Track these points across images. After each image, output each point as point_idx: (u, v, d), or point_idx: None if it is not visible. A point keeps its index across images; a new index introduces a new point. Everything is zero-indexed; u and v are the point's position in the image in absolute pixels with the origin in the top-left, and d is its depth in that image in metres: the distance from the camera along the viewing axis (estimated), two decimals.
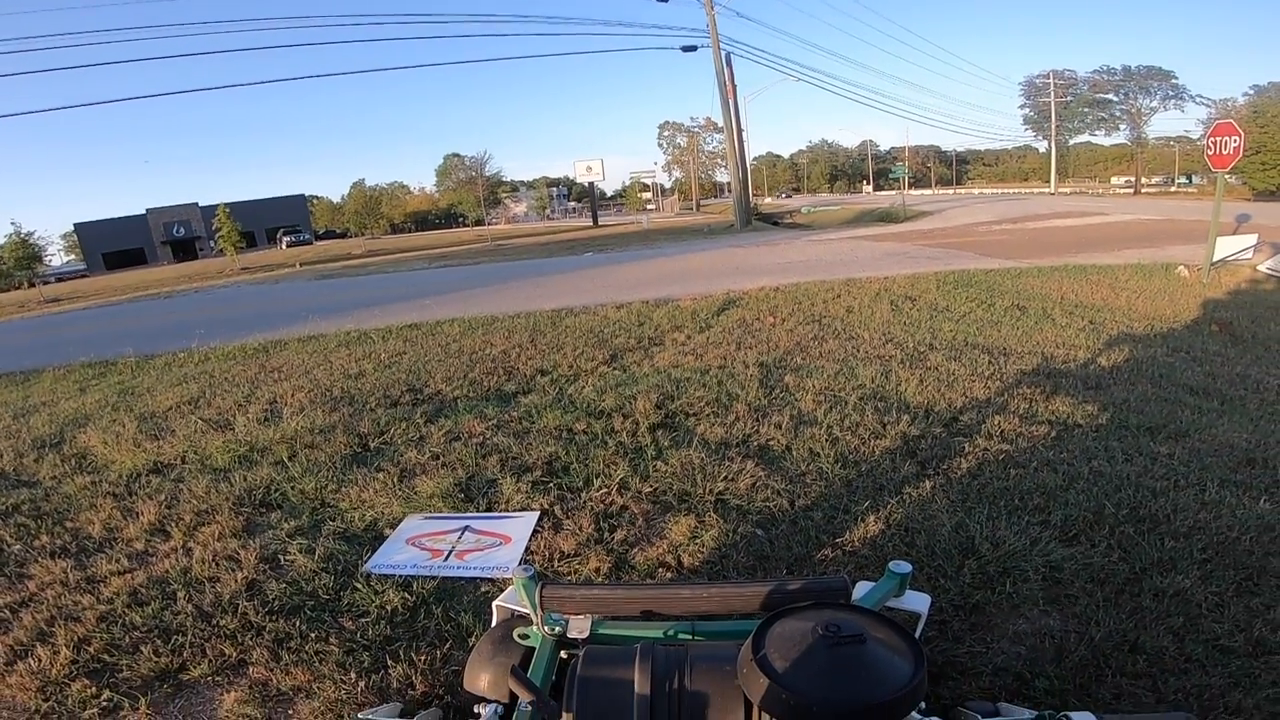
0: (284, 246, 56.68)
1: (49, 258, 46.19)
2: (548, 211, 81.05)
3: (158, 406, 5.94)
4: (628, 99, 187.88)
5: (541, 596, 1.59)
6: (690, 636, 1.59)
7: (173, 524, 3.49)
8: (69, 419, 5.83)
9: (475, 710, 1.48)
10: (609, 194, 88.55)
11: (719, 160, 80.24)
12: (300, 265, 32.28)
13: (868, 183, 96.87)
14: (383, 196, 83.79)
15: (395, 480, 3.82)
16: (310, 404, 5.42)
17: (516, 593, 1.72)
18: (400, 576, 2.87)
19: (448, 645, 2.41)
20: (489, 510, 3.47)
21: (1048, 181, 67.86)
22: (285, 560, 3.07)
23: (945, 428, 4.14)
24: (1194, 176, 58.49)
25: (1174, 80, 62.58)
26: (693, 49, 32.44)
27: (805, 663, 1.09)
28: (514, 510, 3.44)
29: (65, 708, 2.25)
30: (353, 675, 2.27)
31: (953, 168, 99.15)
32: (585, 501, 3.43)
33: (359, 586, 2.80)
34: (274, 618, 2.63)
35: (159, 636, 2.55)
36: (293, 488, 3.82)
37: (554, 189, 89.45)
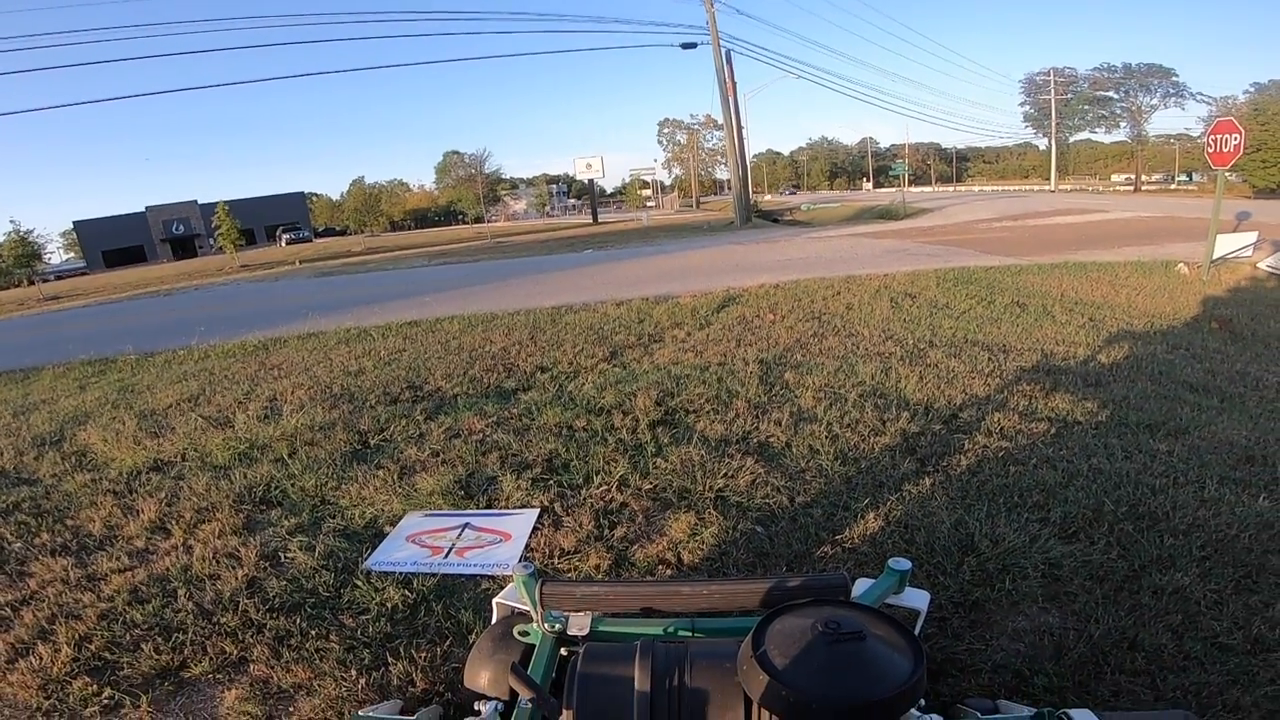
0: (283, 244, 56.56)
1: (48, 255, 46.19)
2: (547, 209, 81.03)
3: (158, 404, 5.94)
4: (628, 96, 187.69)
5: (541, 594, 1.59)
6: (690, 633, 1.59)
7: (173, 521, 3.50)
8: (69, 416, 5.83)
9: (476, 707, 1.48)
10: (609, 191, 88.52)
11: (719, 157, 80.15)
12: (300, 263, 32.26)
13: (868, 180, 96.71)
14: (382, 194, 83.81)
15: (395, 477, 3.82)
16: (310, 401, 5.42)
17: (516, 590, 1.72)
18: (400, 574, 2.88)
19: (448, 642, 2.41)
20: (489, 507, 3.47)
21: (1048, 179, 67.79)
22: (285, 558, 3.07)
23: (945, 425, 4.14)
24: (1194, 174, 58.46)
25: (1174, 78, 62.57)
26: (692, 46, 32.41)
27: (805, 660, 1.09)
28: (514, 507, 3.44)
29: (67, 705, 2.25)
30: (353, 673, 2.27)
31: (953, 165, 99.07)
32: (585, 498, 3.44)
33: (359, 584, 2.80)
34: (274, 615, 2.64)
35: (160, 634, 2.55)
36: (293, 485, 3.82)
37: (554, 186, 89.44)
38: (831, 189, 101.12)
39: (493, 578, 2.84)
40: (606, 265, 16.82)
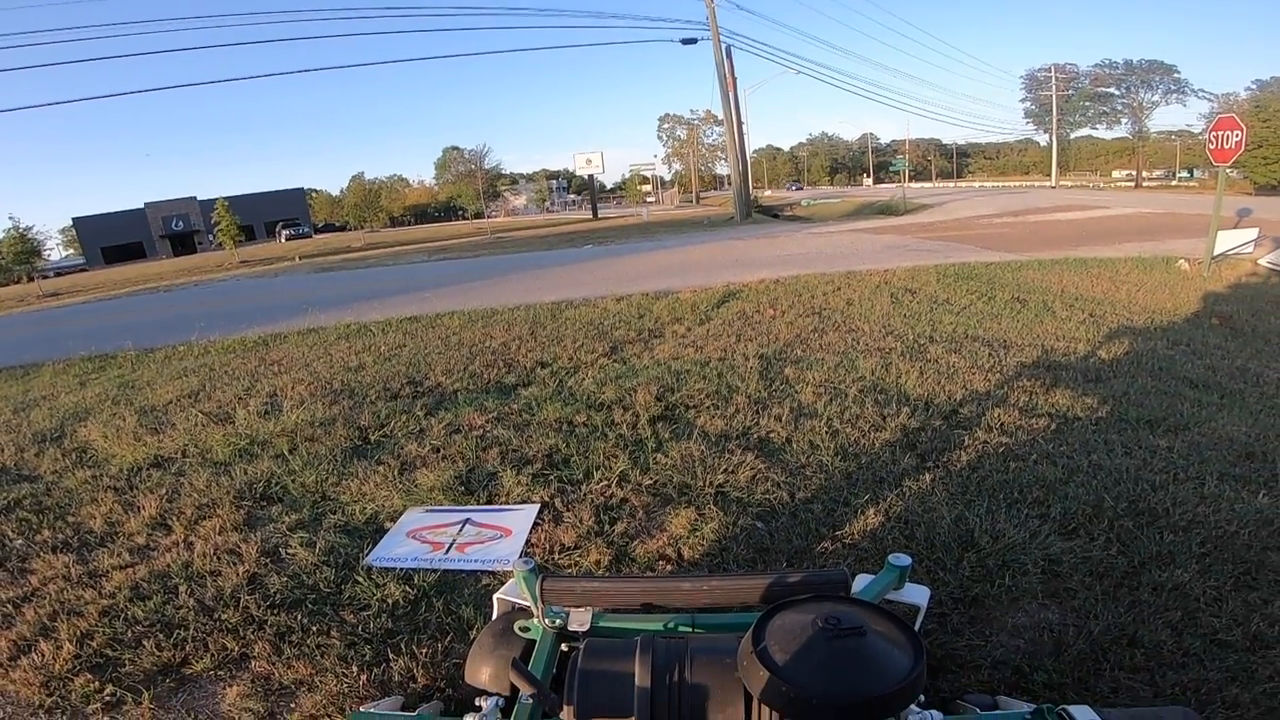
0: (283, 240, 56.48)
1: (48, 252, 46.27)
2: (547, 204, 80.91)
3: (158, 400, 5.94)
4: (627, 92, 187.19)
5: (542, 589, 1.59)
6: (690, 629, 1.59)
7: (174, 518, 3.50)
8: (69, 413, 5.83)
9: (476, 703, 1.48)
10: (609, 187, 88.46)
11: (719, 153, 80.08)
12: (299, 258, 32.23)
13: (868, 175, 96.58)
14: (382, 190, 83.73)
15: (396, 473, 3.83)
16: (310, 397, 5.42)
17: (517, 586, 1.73)
18: (401, 570, 2.88)
19: (449, 638, 2.42)
20: (489, 503, 3.48)
21: (1048, 175, 67.68)
22: (286, 554, 3.08)
23: (945, 420, 4.14)
24: (1195, 170, 58.32)
25: (1176, 74, 62.47)
26: (692, 42, 32.34)
27: (805, 655, 1.09)
28: (514, 503, 3.44)
29: (69, 702, 2.25)
30: (354, 669, 2.28)
31: (953, 161, 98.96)
32: (585, 494, 3.44)
33: (360, 580, 2.81)
34: (275, 611, 2.64)
35: (161, 631, 2.56)
36: (293, 481, 3.82)
37: (553, 182, 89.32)
38: (832, 185, 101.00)
39: (493, 573, 2.84)
40: (606, 260, 16.81)
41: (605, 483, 3.52)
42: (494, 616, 1.89)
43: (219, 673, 2.37)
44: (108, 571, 3.03)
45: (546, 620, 1.61)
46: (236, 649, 2.45)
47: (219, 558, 3.05)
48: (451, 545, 3.09)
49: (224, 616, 2.62)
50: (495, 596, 1.90)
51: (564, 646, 1.62)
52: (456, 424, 4.52)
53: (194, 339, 9.03)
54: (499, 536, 3.14)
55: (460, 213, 79.39)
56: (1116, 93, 66.57)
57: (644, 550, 2.93)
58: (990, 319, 6.88)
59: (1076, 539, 2.78)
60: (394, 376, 5.91)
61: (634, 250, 19.52)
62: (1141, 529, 2.80)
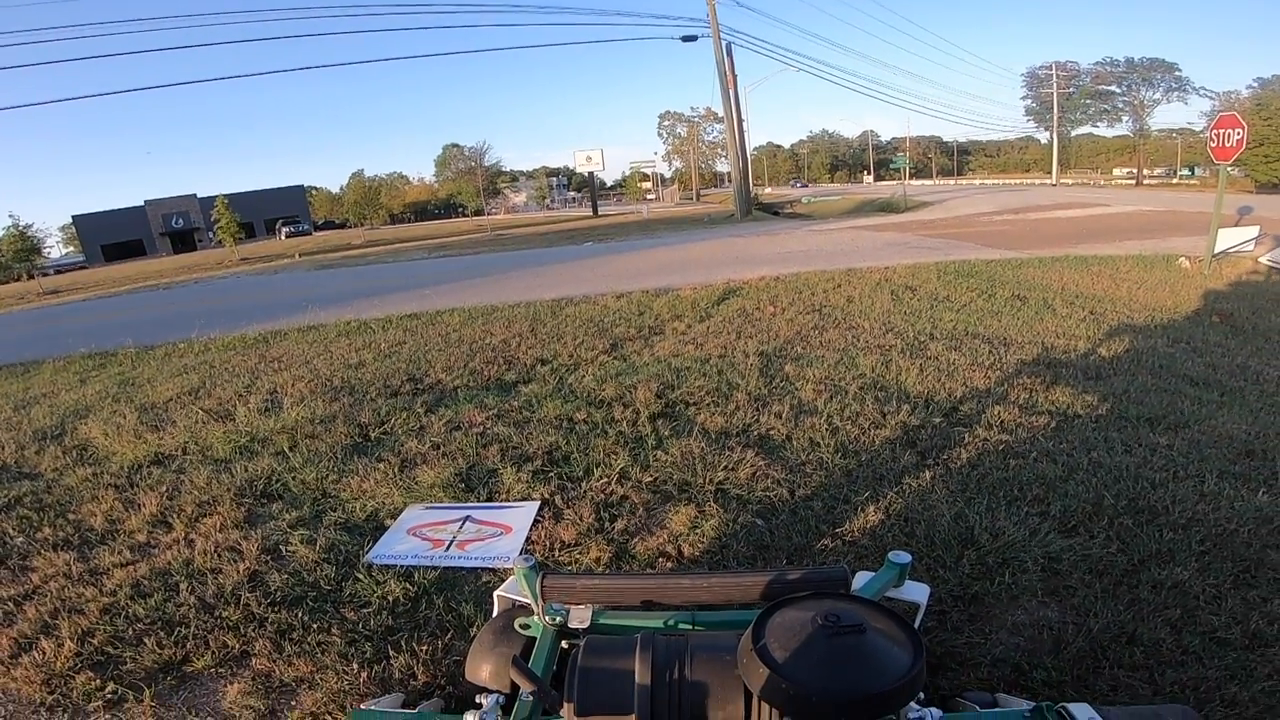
0: (283, 237, 56.49)
1: (47, 250, 46.15)
2: (547, 201, 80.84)
3: (158, 397, 5.94)
4: (628, 89, 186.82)
5: (542, 586, 1.59)
6: (691, 626, 1.59)
7: (174, 515, 3.50)
8: (69, 410, 5.84)
9: (477, 700, 1.48)
10: (609, 184, 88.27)
11: (719, 150, 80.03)
12: (299, 255, 32.22)
13: (868, 173, 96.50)
14: (382, 187, 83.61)
15: (396, 470, 3.83)
16: (311, 394, 5.42)
17: (517, 583, 1.73)
18: (401, 567, 2.88)
19: (449, 635, 2.42)
20: (490, 500, 3.48)
21: (1049, 172, 67.60)
22: (287, 551, 3.08)
23: (945, 418, 4.14)
24: (1196, 168, 58.26)
25: (1177, 72, 62.43)
26: (693, 39, 32.29)
27: (805, 653, 1.10)
28: (515, 500, 3.44)
29: (70, 700, 2.26)
30: (355, 666, 2.28)
31: (954, 158, 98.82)
32: (586, 491, 3.44)
33: (360, 577, 2.81)
34: (276, 609, 2.64)
35: (162, 628, 2.56)
36: (294, 478, 3.82)
37: (553, 179, 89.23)
38: (832, 182, 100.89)
39: (494, 571, 2.84)
40: (606, 258, 16.80)
41: (605, 480, 3.52)
42: (494, 614, 1.89)
43: (220, 670, 2.37)
44: (109, 569, 3.04)
45: (547, 617, 1.61)
46: (237, 646, 2.45)
47: (220, 555, 3.06)
48: (452, 542, 3.09)
49: (225, 614, 2.62)
50: (495, 594, 1.91)
51: (564, 644, 1.62)
52: (457, 421, 4.52)
53: (194, 336, 9.03)
54: (499, 534, 3.14)
55: (460, 210, 79.32)
56: (1117, 90, 66.53)
57: (644, 547, 2.94)
58: (990, 316, 6.87)
59: (1076, 537, 2.78)
60: (394, 374, 5.91)
61: (634, 247, 19.51)
62: (1141, 527, 2.80)
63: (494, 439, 4.17)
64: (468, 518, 3.30)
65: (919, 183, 69.42)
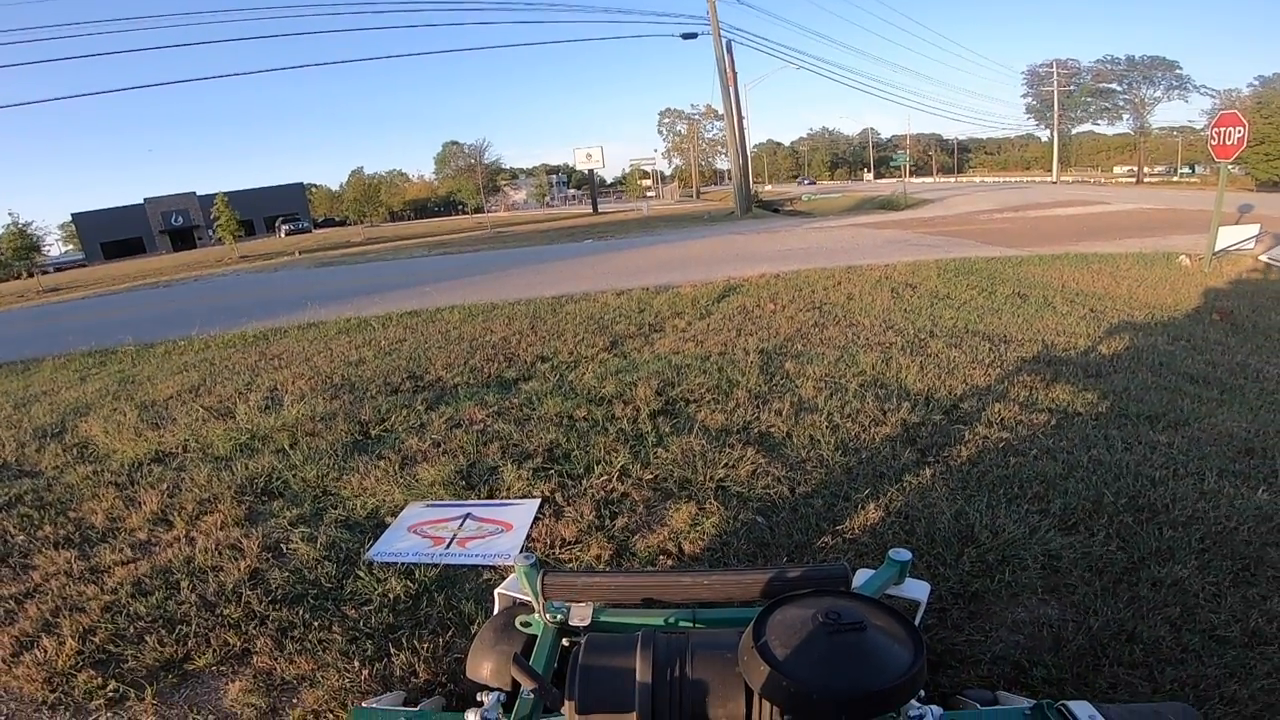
0: (283, 235, 56.43)
1: (47, 248, 46.09)
2: (547, 199, 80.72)
3: (158, 395, 5.95)
4: (628, 86, 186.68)
5: (543, 584, 1.59)
6: (691, 624, 1.59)
7: (175, 513, 3.50)
8: (70, 408, 5.84)
9: (478, 698, 1.49)
10: (609, 181, 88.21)
11: (719, 147, 79.87)
12: (299, 253, 32.20)
13: (868, 170, 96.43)
14: (381, 184, 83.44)
15: (396, 468, 3.83)
16: (311, 391, 5.42)
17: (518, 580, 1.73)
18: (402, 564, 2.88)
19: (450, 633, 2.42)
20: (490, 497, 3.48)
21: (1049, 170, 67.58)
22: (287, 549, 3.08)
23: (945, 415, 4.14)
24: (1197, 166, 58.19)
25: (1178, 70, 62.29)
26: (693, 36, 32.25)
27: (806, 650, 1.10)
28: (515, 497, 3.45)
29: (72, 698, 2.26)
30: (356, 664, 2.28)
31: (954, 156, 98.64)
32: (586, 488, 3.44)
33: (361, 575, 2.81)
34: (277, 607, 2.65)
35: (163, 626, 2.57)
36: (294, 476, 3.82)
37: (553, 176, 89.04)
38: (832, 179, 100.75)
39: (494, 568, 2.85)
40: (607, 255, 16.79)
41: (606, 477, 3.52)
42: (495, 611, 1.89)
43: (221, 668, 2.37)
44: (109, 567, 3.04)
45: (548, 615, 1.61)
46: (238, 644, 2.46)
47: (220, 553, 3.06)
48: (452, 540, 3.09)
49: (226, 612, 2.62)
50: (496, 591, 1.91)
51: (565, 641, 1.62)
52: (457, 418, 4.52)
53: (194, 334, 9.03)
54: (500, 531, 3.14)
55: (460, 208, 79.20)
56: (1118, 88, 66.39)
57: (645, 545, 2.94)
58: (991, 314, 6.87)
59: (1076, 534, 2.78)
60: (394, 371, 5.91)
61: (634, 245, 19.50)
62: (1141, 525, 2.81)
63: (494, 436, 4.17)
64: (468, 515, 3.30)
65: (919, 180, 69.38)
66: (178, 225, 64.40)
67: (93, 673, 2.34)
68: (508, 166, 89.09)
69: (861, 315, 6.99)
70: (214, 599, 2.72)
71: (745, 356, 5.52)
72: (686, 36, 32.45)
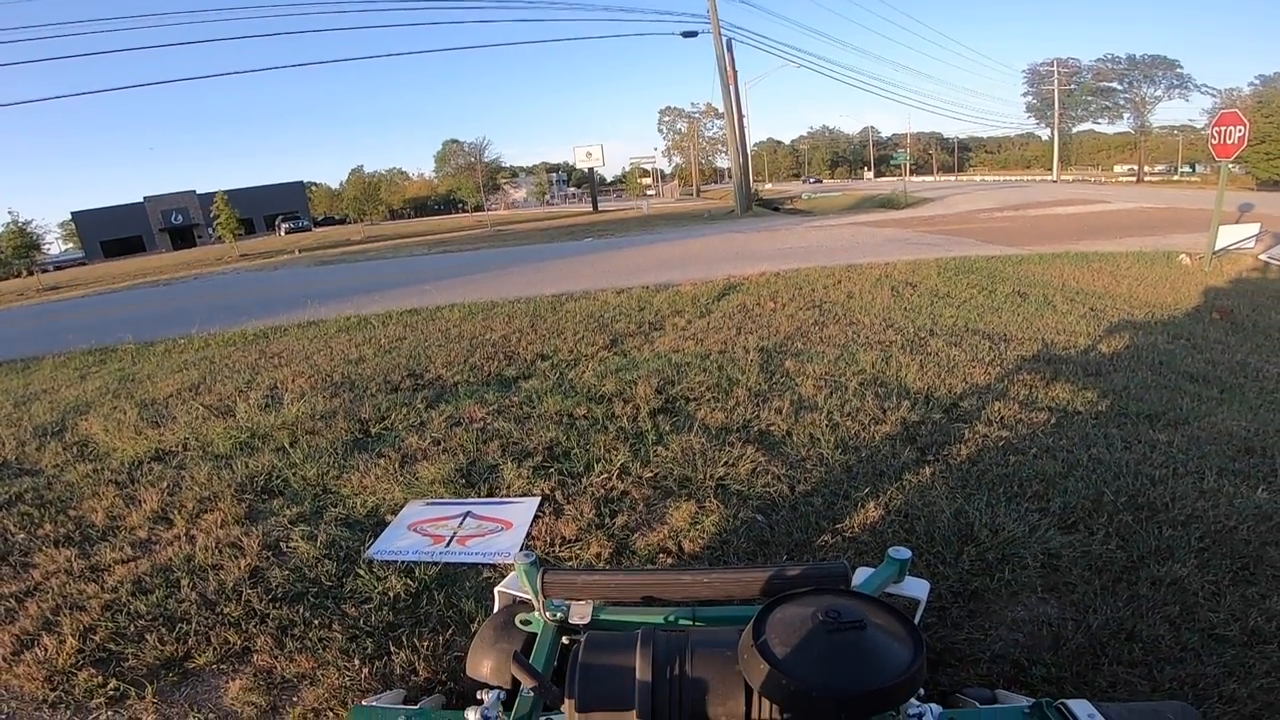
0: (283, 233, 56.46)
1: (47, 246, 46.03)
2: (547, 197, 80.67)
3: (158, 393, 5.95)
4: (628, 85, 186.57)
5: (543, 582, 1.59)
6: (691, 622, 1.60)
7: (175, 511, 3.51)
8: (70, 406, 5.84)
9: (478, 696, 1.49)
10: (609, 179, 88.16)
11: (719, 146, 79.86)
12: (299, 251, 32.18)
13: (869, 169, 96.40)
14: (381, 183, 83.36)
15: (396, 466, 3.83)
16: (311, 389, 5.43)
17: (518, 578, 1.73)
18: (402, 563, 2.89)
19: (450, 631, 2.43)
20: (490, 496, 3.48)
21: (1050, 169, 67.56)
22: (287, 547, 3.08)
23: (945, 414, 4.14)
24: (1197, 165, 58.14)
25: (1179, 69, 62.25)
26: (693, 34, 32.22)
27: (805, 648, 1.10)
28: (515, 495, 3.45)
29: (72, 697, 2.26)
30: (356, 662, 2.29)
31: (954, 154, 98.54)
32: (586, 487, 3.44)
33: (361, 573, 2.82)
34: (277, 605, 2.65)
35: (164, 625, 2.57)
36: (294, 474, 3.83)
37: (554, 174, 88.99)
38: (832, 178, 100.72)
39: (494, 566, 2.85)
40: (607, 253, 16.78)
41: (606, 475, 3.52)
42: (495, 609, 1.90)
43: (221, 666, 2.37)
44: (110, 565, 3.04)
45: (547, 613, 1.61)
46: (239, 643, 2.46)
47: (220, 551, 3.06)
48: (452, 538, 3.10)
49: (226, 610, 2.62)
50: (496, 589, 1.91)
51: (565, 639, 1.62)
52: (457, 417, 4.53)
53: (194, 332, 9.04)
54: (500, 529, 3.15)
55: (460, 206, 79.14)
56: (1119, 87, 66.34)
57: (645, 543, 2.94)
58: (991, 312, 6.87)
59: (1076, 533, 2.78)
60: (394, 369, 5.91)
61: (634, 243, 19.50)
62: (1140, 523, 2.81)
63: (494, 434, 4.17)
64: (468, 513, 3.30)
65: (919, 179, 69.38)
66: (177, 224, 64.37)
67: (93, 671, 2.34)
68: (508, 165, 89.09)
69: (861, 314, 6.99)
70: (214, 597, 2.72)
71: (745, 355, 5.52)
72: (687, 35, 32.44)
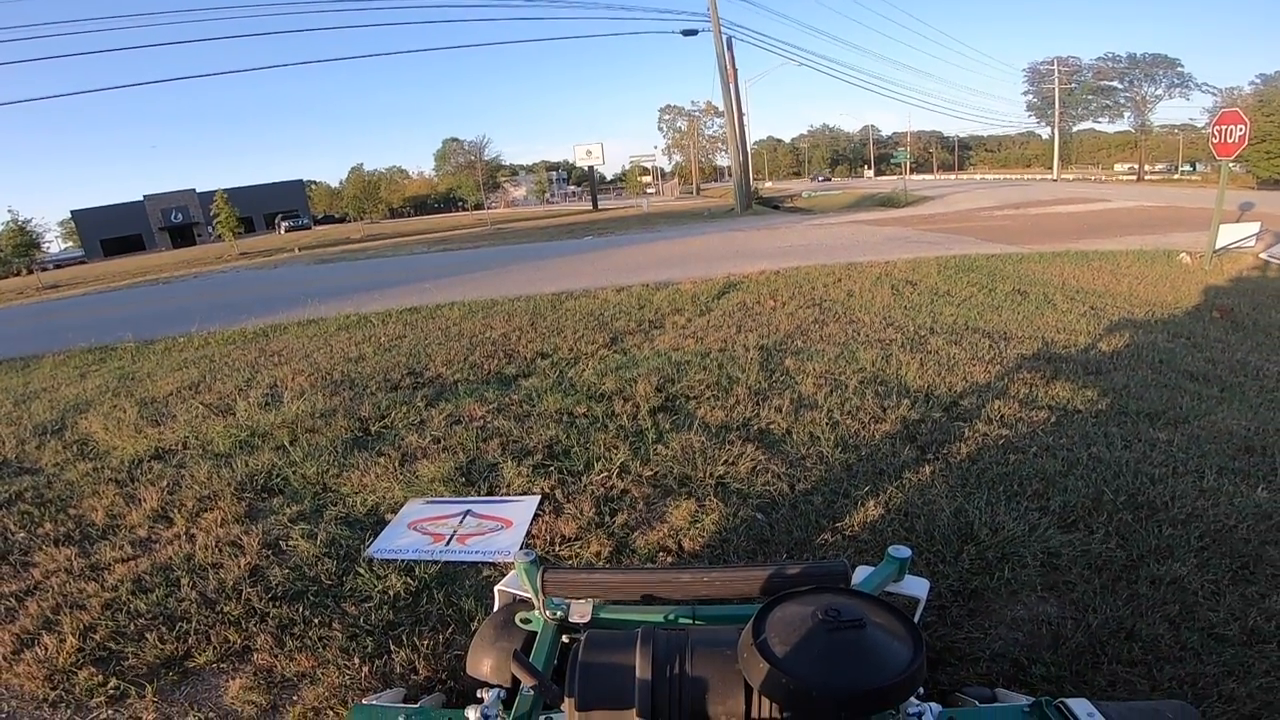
0: (282, 231, 56.54)
1: (47, 245, 46.10)
2: (547, 195, 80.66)
3: (158, 392, 5.95)
4: (628, 83, 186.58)
5: (543, 581, 1.59)
6: (691, 621, 1.60)
7: (175, 510, 3.51)
8: (70, 405, 5.84)
9: (478, 695, 1.49)
10: (609, 178, 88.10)
11: (719, 144, 79.77)
12: (299, 250, 32.17)
13: (869, 167, 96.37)
14: (381, 181, 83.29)
15: (396, 464, 3.83)
16: (311, 388, 5.42)
17: (518, 577, 1.73)
18: (402, 561, 2.89)
19: (450, 630, 2.43)
20: (490, 494, 3.48)
21: (1050, 168, 67.50)
22: (287, 546, 3.08)
23: (945, 412, 4.14)
24: (1198, 164, 58.06)
25: (1179, 68, 62.11)
26: (693, 33, 32.16)
27: (805, 647, 1.10)
28: (515, 494, 3.45)
29: (73, 696, 2.26)
30: (356, 661, 2.29)
31: (955, 153, 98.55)
32: (586, 485, 3.44)
33: (361, 572, 2.82)
34: (277, 604, 2.65)
35: (164, 624, 2.57)
36: (294, 472, 3.83)
37: (553, 173, 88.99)
38: (833, 176, 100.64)
39: (494, 565, 2.85)
40: (607, 251, 16.77)
41: (606, 474, 3.52)
42: (495, 608, 1.90)
43: (221, 665, 2.37)
44: (110, 564, 3.04)
45: (547, 612, 1.61)
46: (239, 641, 2.46)
47: (220, 550, 3.06)
48: (452, 537, 3.10)
49: (226, 609, 2.62)
50: (496, 588, 1.91)
51: (565, 638, 1.62)
52: (457, 415, 4.53)
53: (194, 331, 9.04)
54: (500, 528, 3.15)
55: (460, 204, 79.11)
56: (1119, 86, 66.21)
57: (645, 542, 2.94)
58: (991, 311, 6.87)
59: (1076, 532, 2.78)
60: (394, 367, 5.91)
61: (634, 241, 19.49)
62: (1140, 522, 2.81)
63: (494, 433, 4.17)
64: (468, 512, 3.31)
65: (919, 177, 69.33)
66: (177, 222, 64.34)
67: (93, 670, 2.34)
68: (508, 163, 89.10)
69: (861, 312, 6.98)
70: (214, 596, 2.72)
71: (745, 353, 5.52)
72: (687, 33, 32.38)
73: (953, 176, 79.55)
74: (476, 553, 2.95)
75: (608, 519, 3.14)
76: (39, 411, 5.70)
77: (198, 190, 63.43)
